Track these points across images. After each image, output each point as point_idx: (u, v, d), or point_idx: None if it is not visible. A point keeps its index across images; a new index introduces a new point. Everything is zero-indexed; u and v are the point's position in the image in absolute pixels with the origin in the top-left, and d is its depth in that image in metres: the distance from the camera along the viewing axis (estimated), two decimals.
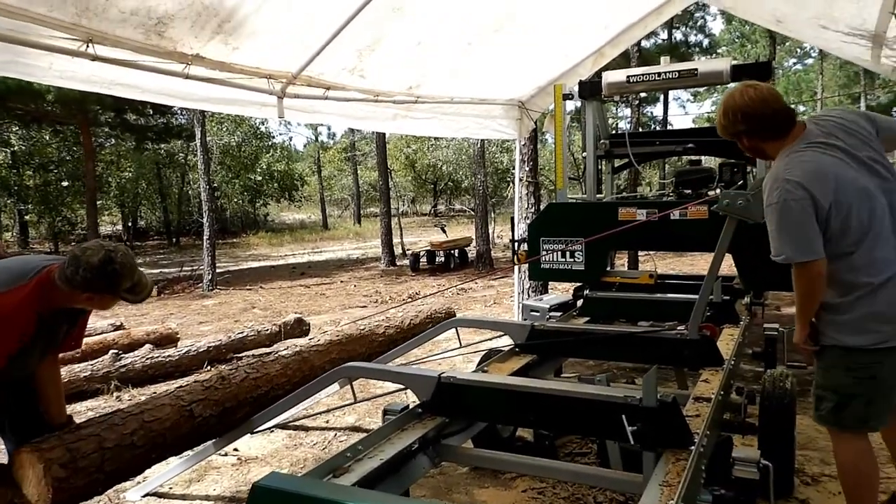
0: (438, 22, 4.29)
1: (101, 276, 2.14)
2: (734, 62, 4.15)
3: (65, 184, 21.99)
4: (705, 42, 27.72)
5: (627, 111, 26.05)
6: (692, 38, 27.26)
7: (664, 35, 23.63)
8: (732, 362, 3.12)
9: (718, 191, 3.98)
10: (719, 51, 28.16)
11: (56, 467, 2.16)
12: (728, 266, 4.30)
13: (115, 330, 6.84)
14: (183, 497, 3.36)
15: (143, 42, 3.16)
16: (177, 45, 3.30)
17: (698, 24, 26.81)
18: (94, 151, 19.06)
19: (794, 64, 32.16)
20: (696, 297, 3.29)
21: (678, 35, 25.89)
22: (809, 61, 31.35)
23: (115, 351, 5.50)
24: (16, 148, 21.76)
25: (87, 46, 2.92)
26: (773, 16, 4.38)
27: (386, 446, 2.30)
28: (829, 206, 2.15)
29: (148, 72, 3.32)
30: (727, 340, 3.47)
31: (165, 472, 3.38)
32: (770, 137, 2.34)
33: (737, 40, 29.51)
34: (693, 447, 2.08)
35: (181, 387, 2.88)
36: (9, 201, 22.97)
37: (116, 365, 5.26)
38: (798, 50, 30.41)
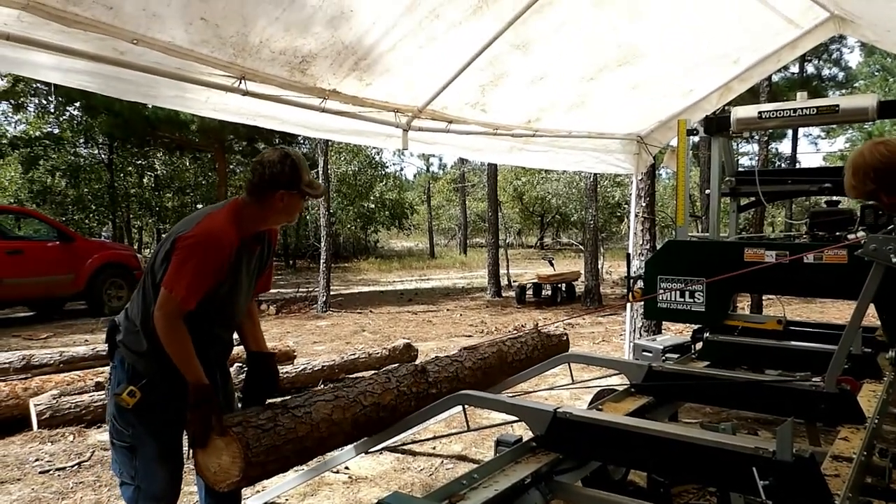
0: (561, 57, 4.34)
1: (283, 168, 2.25)
2: (882, 98, 3.87)
3: (199, 206, 23.89)
4: (840, 76, 26.00)
5: (749, 147, 24.87)
6: (826, 72, 25.67)
7: (795, 68, 22.41)
8: (875, 421, 2.86)
9: (860, 234, 3.71)
10: (856, 85, 26.27)
11: (244, 481, 2.23)
12: (870, 316, 3.98)
13: (238, 345, 7.28)
14: None
15: (287, 78, 3.42)
16: (317, 82, 3.54)
17: (833, 56, 25.22)
18: (227, 177, 20.59)
19: None
20: (831, 346, 3.06)
21: (810, 68, 24.47)
22: None
23: (239, 364, 5.85)
24: (159, 172, 23.97)
25: (240, 83, 3.20)
26: None
27: (500, 477, 2.29)
28: None
29: (288, 105, 3.59)
30: (868, 396, 3.19)
31: (283, 484, 3.53)
32: None
33: (877, 73, 27.41)
34: None
35: (364, 408, 2.80)
36: (150, 220, 25.26)
37: (240, 377, 5.59)
38: None
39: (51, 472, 4.06)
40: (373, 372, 3.10)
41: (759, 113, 4.18)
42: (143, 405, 2.27)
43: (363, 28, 3.27)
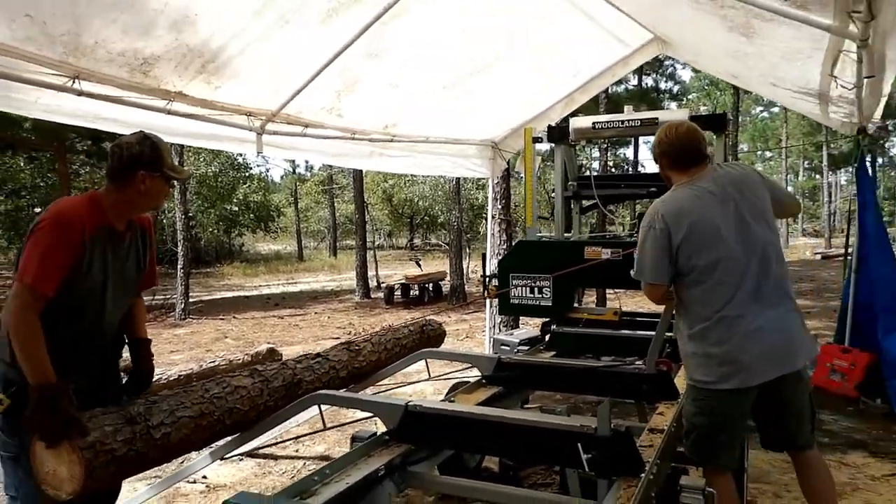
0: (414, 67, 4.50)
1: (143, 150, 2.18)
2: (692, 113, 4.39)
3: (38, 210, 21.71)
4: (675, 88, 28.72)
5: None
6: (662, 85, 28.25)
7: (634, 81, 24.41)
8: None
9: None
10: (689, 97, 29.08)
11: (70, 500, 2.06)
12: None
13: None
14: None
15: (128, 80, 3.29)
16: (161, 83, 3.43)
17: (668, 71, 27.81)
18: (69, 178, 18.91)
19: (761, 111, 33.30)
20: (653, 333, 3.44)
21: (648, 81, 26.79)
22: (775, 109, 32.54)
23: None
24: None
25: (74, 82, 3.04)
26: (728, 72, 4.66)
27: (353, 471, 2.38)
28: (680, 242, 2.44)
29: (131, 107, 3.45)
30: (683, 375, 3.62)
31: (134, 498, 3.38)
32: (671, 168, 2.64)
33: (706, 87, 30.55)
34: (643, 475, 2.21)
35: (225, 426, 2.72)
36: None
37: None
38: (763, 98, 31.55)
39: None
40: (249, 378, 2.99)
41: (593, 123, 4.58)
42: (17, 413, 2.10)
43: (209, 32, 3.21)
